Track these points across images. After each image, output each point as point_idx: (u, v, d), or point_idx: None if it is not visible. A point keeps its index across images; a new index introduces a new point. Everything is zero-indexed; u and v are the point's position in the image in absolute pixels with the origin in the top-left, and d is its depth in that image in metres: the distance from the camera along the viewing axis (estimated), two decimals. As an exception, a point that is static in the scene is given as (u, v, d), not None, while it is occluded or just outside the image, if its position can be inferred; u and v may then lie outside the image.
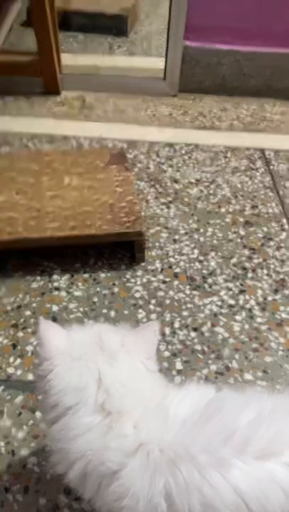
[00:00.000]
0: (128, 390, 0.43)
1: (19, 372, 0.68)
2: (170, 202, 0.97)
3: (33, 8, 1.09)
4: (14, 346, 0.72)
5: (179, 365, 0.70)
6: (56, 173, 0.86)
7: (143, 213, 0.92)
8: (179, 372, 0.69)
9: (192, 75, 1.27)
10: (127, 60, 1.45)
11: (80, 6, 1.62)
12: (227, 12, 1.16)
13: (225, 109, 1.26)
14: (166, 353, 0.72)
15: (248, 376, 0.69)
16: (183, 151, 1.11)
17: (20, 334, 0.73)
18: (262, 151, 1.11)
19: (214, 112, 1.25)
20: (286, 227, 0.93)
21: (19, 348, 0.72)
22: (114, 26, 1.58)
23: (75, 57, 1.44)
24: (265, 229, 0.93)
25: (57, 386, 0.43)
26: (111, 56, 1.46)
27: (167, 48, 1.23)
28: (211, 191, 1.01)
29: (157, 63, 1.38)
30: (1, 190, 0.83)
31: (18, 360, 0.70)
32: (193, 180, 1.03)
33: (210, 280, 0.83)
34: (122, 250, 0.87)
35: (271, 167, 1.06)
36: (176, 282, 0.82)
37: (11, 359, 0.70)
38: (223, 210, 0.96)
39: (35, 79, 1.22)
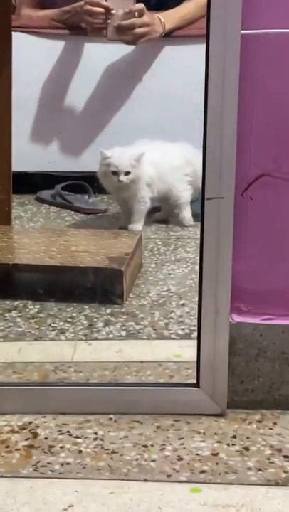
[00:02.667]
0: None
1: None
2: None
3: None
4: None
5: None
6: None
7: None
8: None
9: (253, 374, 1.44)
10: (122, 349, 1.68)
11: (33, 259, 2.02)
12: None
13: None
14: None
15: None
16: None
17: None
18: None
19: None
20: None
21: None
22: (97, 288, 1.91)
23: (20, 348, 1.69)
24: None
25: None
26: (90, 342, 1.72)
27: (200, 327, 1.42)
28: None
29: (182, 351, 1.62)
30: None
31: None
32: None
33: None
34: None
35: None
36: None
37: None
38: None
39: None
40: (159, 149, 2.48)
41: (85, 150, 2.76)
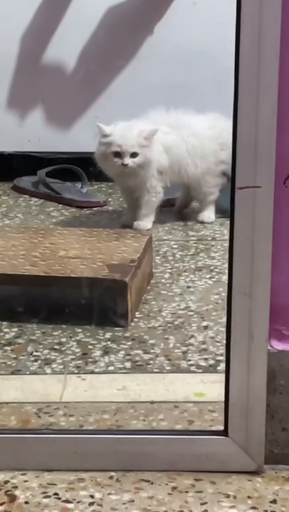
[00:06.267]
0: None
1: None
2: None
3: None
4: None
5: None
6: None
7: None
8: None
9: (299, 418, 1.45)
10: (126, 386, 1.69)
11: (10, 267, 2.03)
12: None
13: None
14: None
15: None
16: None
17: None
18: None
19: None
20: None
21: None
22: (93, 305, 1.92)
23: None
24: None
25: None
26: (83, 377, 1.73)
27: (228, 357, 1.43)
28: None
29: (205, 388, 1.63)
30: None
31: None
32: None
33: None
34: None
35: None
36: None
37: None
38: None
39: None
40: (179, 124, 2.48)
41: (78, 124, 2.78)
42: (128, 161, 2.33)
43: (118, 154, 2.34)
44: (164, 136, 2.41)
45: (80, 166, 2.69)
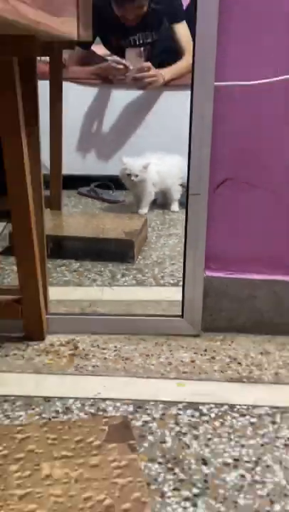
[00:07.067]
0: None
1: None
2: (197, 496, 0.97)
3: (15, 236, 1.27)
4: None
5: None
6: (31, 459, 0.90)
7: (157, 516, 0.92)
8: None
9: (219, 310, 1.45)
10: (133, 292, 1.69)
11: (76, 232, 2.03)
12: (257, 237, 1.41)
13: (267, 353, 1.38)
14: None
15: None
16: (212, 415, 1.17)
17: None
18: None
19: (252, 356, 1.37)
20: None
21: None
22: (117, 252, 1.91)
23: (67, 290, 1.69)
24: None
25: None
26: (112, 287, 1.72)
27: (184, 279, 1.44)
28: (257, 477, 1.01)
29: (172, 294, 1.61)
30: None
31: None
32: (229, 460, 1.05)
33: None
34: None
35: None
36: None
37: None
38: (277, 508, 0.95)
39: (14, 321, 1.39)
40: (161, 160, 2.45)
41: (111, 159, 2.75)
42: (134, 178, 2.34)
43: (129, 175, 2.34)
44: (156, 165, 2.40)
45: (110, 181, 2.68)
